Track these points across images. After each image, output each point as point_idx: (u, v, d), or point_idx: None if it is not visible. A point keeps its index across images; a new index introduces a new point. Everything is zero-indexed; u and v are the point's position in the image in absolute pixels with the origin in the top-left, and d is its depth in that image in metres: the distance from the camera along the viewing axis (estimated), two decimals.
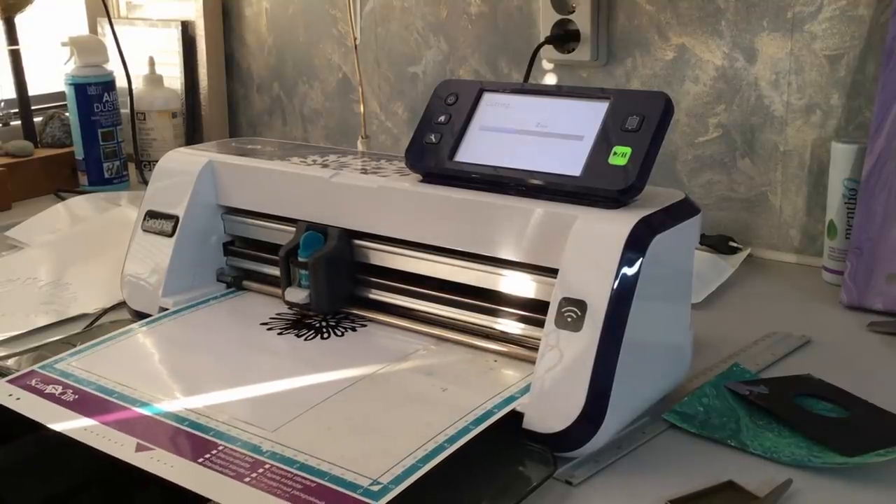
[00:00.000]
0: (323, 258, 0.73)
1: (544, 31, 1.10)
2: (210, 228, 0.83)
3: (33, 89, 1.38)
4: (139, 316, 0.81)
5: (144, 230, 0.83)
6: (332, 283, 0.74)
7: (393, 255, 0.73)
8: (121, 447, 0.56)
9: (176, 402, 0.62)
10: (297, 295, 0.74)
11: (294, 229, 0.76)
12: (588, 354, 0.58)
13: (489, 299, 0.69)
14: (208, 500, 0.51)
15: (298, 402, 0.62)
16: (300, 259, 0.74)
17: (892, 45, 0.85)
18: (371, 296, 0.75)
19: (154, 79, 1.38)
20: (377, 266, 0.74)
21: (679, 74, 1.03)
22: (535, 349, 0.61)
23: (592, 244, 0.60)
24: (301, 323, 0.75)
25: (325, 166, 0.77)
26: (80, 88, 1.27)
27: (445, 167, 0.70)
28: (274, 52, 1.41)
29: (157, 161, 0.87)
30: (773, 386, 0.68)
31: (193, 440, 0.57)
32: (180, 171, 0.83)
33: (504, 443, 0.59)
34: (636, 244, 0.59)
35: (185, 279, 0.81)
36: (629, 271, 0.59)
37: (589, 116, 0.66)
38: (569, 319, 0.59)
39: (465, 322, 0.70)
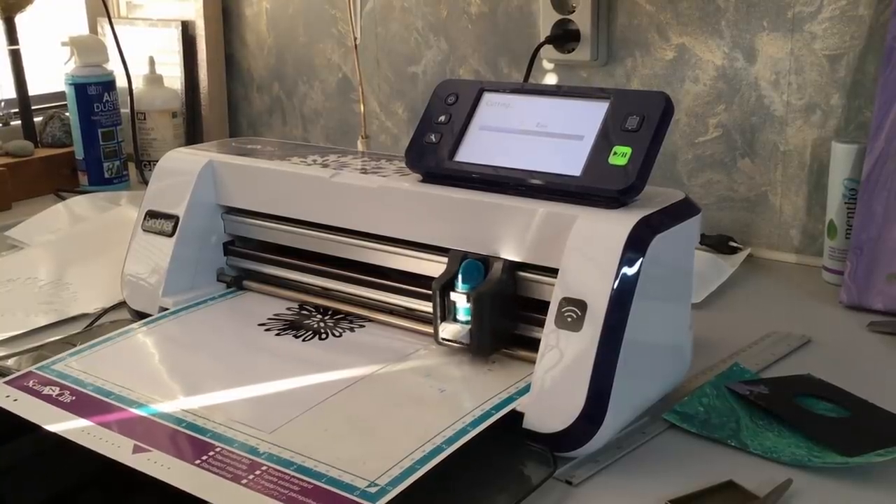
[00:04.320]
0: (487, 293, 0.65)
1: (544, 31, 1.09)
2: (210, 228, 0.83)
3: (33, 89, 1.38)
4: (139, 316, 0.80)
5: (144, 230, 0.83)
6: (495, 321, 0.66)
7: (391, 254, 0.73)
8: (118, 449, 0.56)
9: (174, 403, 0.62)
10: (455, 331, 0.67)
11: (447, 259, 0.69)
12: (588, 354, 0.58)
13: None
14: (206, 502, 0.51)
15: (296, 403, 0.62)
16: (459, 291, 0.66)
17: (893, 45, 0.85)
18: (531, 334, 0.66)
19: (154, 79, 1.38)
20: (536, 300, 0.66)
21: (679, 74, 1.03)
22: (535, 349, 0.61)
23: (592, 244, 0.60)
24: (300, 324, 0.75)
25: (325, 166, 0.77)
26: (80, 88, 1.27)
27: (445, 167, 0.70)
28: (274, 52, 1.41)
29: (157, 161, 0.87)
30: (773, 386, 0.68)
31: (191, 442, 0.57)
32: (180, 170, 0.83)
33: (504, 443, 0.59)
34: (636, 244, 0.59)
35: (185, 279, 0.81)
36: (629, 271, 0.59)
37: (589, 116, 0.66)
38: (569, 319, 0.59)
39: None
